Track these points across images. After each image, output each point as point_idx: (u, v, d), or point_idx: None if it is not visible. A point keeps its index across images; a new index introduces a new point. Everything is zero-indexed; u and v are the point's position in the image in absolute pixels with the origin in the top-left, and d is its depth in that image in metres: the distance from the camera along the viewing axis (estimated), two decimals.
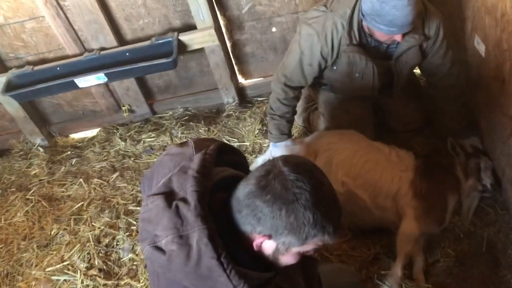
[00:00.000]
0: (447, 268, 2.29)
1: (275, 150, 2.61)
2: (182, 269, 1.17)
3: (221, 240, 1.16)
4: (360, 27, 2.26)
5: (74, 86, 3.07)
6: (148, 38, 3.17)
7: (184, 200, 1.19)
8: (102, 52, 3.14)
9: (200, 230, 1.14)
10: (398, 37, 2.17)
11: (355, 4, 2.22)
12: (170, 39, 3.06)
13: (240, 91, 3.56)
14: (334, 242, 1.24)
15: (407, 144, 2.71)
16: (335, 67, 2.42)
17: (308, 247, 1.22)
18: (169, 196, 1.23)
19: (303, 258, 1.42)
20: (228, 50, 3.36)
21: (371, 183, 2.30)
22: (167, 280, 1.27)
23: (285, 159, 1.22)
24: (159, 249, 1.18)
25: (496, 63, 2.19)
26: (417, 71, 2.87)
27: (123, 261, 2.63)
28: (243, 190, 1.21)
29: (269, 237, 1.19)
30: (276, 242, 1.20)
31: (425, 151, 2.75)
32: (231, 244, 1.19)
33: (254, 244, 1.22)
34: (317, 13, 2.33)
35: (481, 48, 2.35)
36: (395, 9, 1.99)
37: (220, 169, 1.35)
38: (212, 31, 3.05)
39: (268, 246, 1.22)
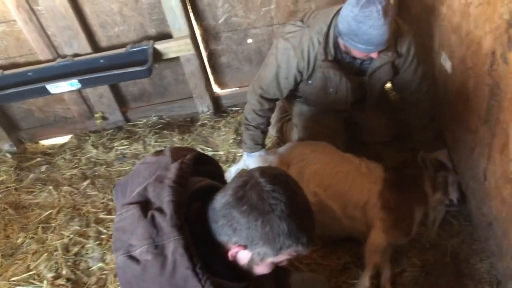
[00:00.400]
0: (413, 277, 2.35)
1: (249, 159, 2.64)
2: (156, 279, 1.17)
3: (197, 250, 1.16)
4: (335, 44, 2.32)
5: (46, 92, 3.02)
6: (123, 45, 3.15)
7: (160, 210, 1.20)
8: (76, 58, 3.10)
9: (176, 240, 1.15)
10: (374, 55, 2.24)
11: (331, 21, 2.28)
12: (146, 47, 3.06)
13: (215, 100, 3.57)
14: (308, 252, 1.26)
15: (378, 156, 2.78)
16: (310, 81, 2.48)
17: (283, 257, 1.24)
18: (144, 205, 1.23)
19: (276, 268, 1.45)
20: (203, 60, 3.38)
21: (341, 193, 2.34)
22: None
23: (262, 170, 1.24)
24: (133, 258, 1.18)
25: (461, 79, 2.28)
26: (387, 85, 2.95)
27: (92, 270, 2.59)
28: (220, 200, 1.23)
29: (245, 247, 1.20)
30: (251, 252, 1.22)
31: (395, 163, 2.82)
32: (206, 254, 1.20)
33: (229, 254, 1.24)
34: (294, 28, 2.39)
35: (447, 64, 2.45)
36: (372, 28, 2.05)
37: (197, 179, 1.36)
38: (188, 40, 3.06)
39: (243, 256, 1.24)
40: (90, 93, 3.41)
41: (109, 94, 3.43)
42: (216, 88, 3.61)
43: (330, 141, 2.60)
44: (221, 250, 1.25)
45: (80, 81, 2.99)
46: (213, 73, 3.51)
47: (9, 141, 3.50)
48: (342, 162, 2.42)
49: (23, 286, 2.52)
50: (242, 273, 1.29)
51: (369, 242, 2.31)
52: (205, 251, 1.21)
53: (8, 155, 3.47)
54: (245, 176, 1.25)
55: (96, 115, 3.51)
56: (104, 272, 2.56)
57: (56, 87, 2.99)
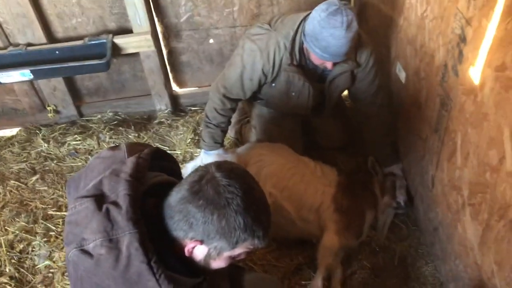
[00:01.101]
0: (363, 279, 2.42)
1: (207, 158, 2.63)
2: (110, 274, 1.15)
3: (152, 245, 1.15)
4: (301, 49, 2.36)
5: None
6: (80, 38, 3.06)
7: (115, 204, 1.18)
8: (29, 48, 2.98)
9: (131, 234, 1.13)
10: (328, 65, 2.29)
11: (298, 27, 2.31)
12: (104, 40, 2.98)
13: (174, 99, 3.54)
14: (264, 246, 1.27)
15: (332, 160, 2.84)
16: (273, 84, 2.50)
17: (239, 251, 1.24)
18: (99, 199, 1.21)
19: (231, 267, 1.46)
20: (163, 57, 3.34)
21: (296, 195, 2.38)
22: (92, 285, 1.23)
23: (218, 165, 1.24)
24: (86, 252, 1.16)
25: (415, 89, 2.39)
26: (344, 93, 3.03)
27: (38, 268, 2.49)
28: (176, 195, 1.22)
29: (201, 242, 1.20)
30: (208, 247, 1.22)
31: (348, 168, 2.90)
32: (162, 250, 1.19)
33: (186, 249, 1.23)
34: (261, 31, 2.41)
35: (402, 75, 2.55)
36: (331, 37, 2.10)
37: (154, 174, 1.35)
38: (149, 37, 3.02)
39: (200, 251, 1.24)
40: (43, 85, 3.29)
41: (63, 87, 3.31)
42: (175, 87, 3.57)
43: (288, 143, 2.64)
44: (177, 246, 1.24)
45: (32, 71, 2.88)
46: (172, 71, 3.48)
47: None
48: (298, 164, 2.46)
49: None
50: (197, 269, 1.29)
51: (322, 244, 2.36)
52: (161, 246, 1.19)
53: None
54: (201, 170, 1.25)
55: (49, 108, 3.39)
56: (51, 270, 2.47)
57: (6, 77, 2.86)
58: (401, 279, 2.41)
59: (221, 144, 2.66)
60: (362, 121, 2.76)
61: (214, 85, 2.57)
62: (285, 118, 2.80)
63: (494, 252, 1.72)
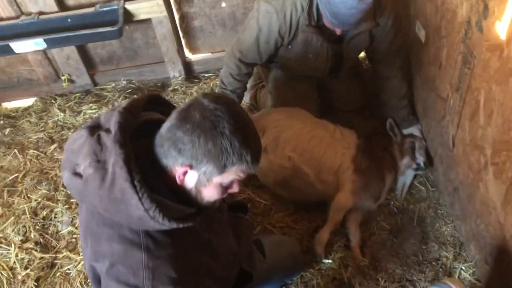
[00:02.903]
0: (381, 240, 2.43)
1: None
2: (96, 192, 1.19)
3: (138, 169, 1.18)
4: (319, 9, 2.29)
5: (10, 51, 2.88)
6: (91, 5, 3.02)
7: (107, 130, 1.23)
8: (41, 17, 2.95)
9: (117, 154, 1.17)
10: (337, 30, 2.24)
11: None
12: (116, 7, 2.94)
13: (187, 65, 3.50)
14: (253, 172, 1.28)
15: (349, 123, 2.80)
16: (290, 46, 2.45)
17: (229, 176, 1.25)
18: (94, 128, 1.27)
19: (233, 212, 1.55)
20: (176, 23, 3.29)
21: (316, 158, 2.38)
22: (86, 213, 1.33)
23: (205, 94, 1.26)
24: (77, 174, 1.22)
25: (435, 48, 2.32)
26: (361, 55, 2.97)
27: (61, 234, 2.54)
28: (166, 125, 1.25)
29: (190, 167, 1.21)
30: (197, 173, 1.23)
31: (365, 131, 2.87)
32: (151, 177, 1.21)
33: (177, 176, 1.25)
34: None
35: (421, 33, 2.48)
36: (343, 5, 2.03)
37: (149, 113, 1.38)
38: (160, 2, 2.96)
39: (190, 178, 1.25)
40: (56, 54, 3.28)
41: (76, 56, 3.30)
42: (188, 53, 3.53)
43: (304, 107, 2.61)
44: (168, 176, 1.26)
45: (46, 40, 2.86)
46: (185, 37, 3.43)
47: None
48: (317, 128, 2.44)
49: None
50: (192, 202, 1.30)
51: (335, 200, 2.36)
52: (151, 175, 1.22)
53: None
54: (190, 100, 1.27)
55: (63, 78, 3.39)
56: (74, 236, 2.53)
57: (20, 46, 2.85)
58: (420, 240, 2.42)
59: None
60: (380, 83, 2.71)
61: (229, 50, 2.53)
62: (300, 81, 2.76)
63: None
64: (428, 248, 2.38)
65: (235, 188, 1.32)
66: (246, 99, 3.17)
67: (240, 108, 1.28)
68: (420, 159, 2.52)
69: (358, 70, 2.98)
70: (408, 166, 2.54)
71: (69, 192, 2.71)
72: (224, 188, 1.30)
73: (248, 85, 3.06)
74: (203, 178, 1.23)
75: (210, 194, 1.29)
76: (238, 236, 1.67)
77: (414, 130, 2.65)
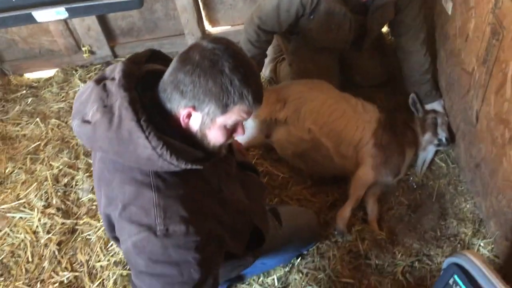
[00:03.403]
0: (399, 215, 2.42)
1: None
2: (105, 136, 1.22)
3: (144, 111, 1.20)
4: None
5: (32, 19, 2.88)
6: None
7: (112, 79, 1.27)
8: None
9: (121, 97, 1.20)
10: None
11: None
12: None
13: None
14: (256, 111, 1.30)
15: (370, 98, 2.77)
16: (312, 16, 2.41)
17: (232, 117, 1.26)
18: (100, 80, 1.31)
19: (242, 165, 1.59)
20: None
21: (336, 131, 2.36)
22: (98, 163, 1.36)
23: (203, 37, 1.27)
24: (86, 121, 1.25)
25: (462, 20, 2.26)
26: (384, 30, 2.92)
27: (82, 201, 2.59)
28: (167, 71, 1.27)
29: (193, 108, 1.23)
30: (201, 114, 1.24)
31: (386, 105, 2.83)
32: (161, 125, 1.24)
33: (181, 120, 1.27)
34: None
35: (448, 6, 2.41)
36: None
37: (152, 64, 1.40)
38: None
39: (195, 121, 1.27)
40: (78, 25, 3.29)
41: (97, 26, 3.31)
42: (207, 26, 3.50)
43: (326, 80, 2.58)
44: (174, 121, 1.28)
45: (67, 9, 2.86)
46: (205, 9, 3.40)
47: None
48: (339, 100, 2.42)
49: (14, 213, 2.51)
50: (198, 146, 1.32)
51: (356, 176, 2.36)
52: (160, 123, 1.24)
53: None
54: (190, 45, 1.28)
55: (84, 49, 3.40)
56: (95, 203, 2.57)
57: (43, 15, 2.84)
58: (438, 215, 2.40)
59: None
60: (403, 57, 2.66)
61: (249, 16, 2.50)
62: (322, 54, 2.72)
63: None
64: (446, 224, 2.36)
65: (239, 132, 1.34)
66: (265, 72, 3.15)
67: (239, 48, 1.28)
68: (442, 135, 2.49)
69: (381, 44, 2.93)
70: (429, 142, 2.51)
71: (89, 161, 2.75)
72: (229, 131, 1.32)
73: (268, 58, 3.04)
74: (207, 119, 1.25)
75: (215, 136, 1.31)
76: (247, 191, 1.68)
77: (436, 105, 2.60)
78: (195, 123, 1.27)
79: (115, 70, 1.28)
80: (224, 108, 1.22)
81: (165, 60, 1.46)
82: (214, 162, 1.36)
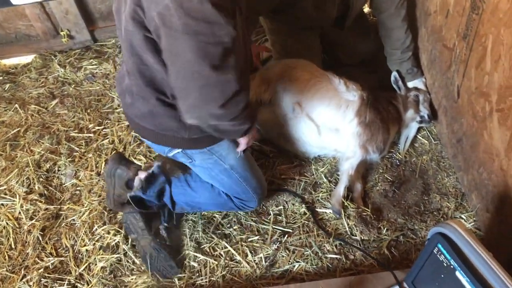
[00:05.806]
0: (383, 191, 2.44)
1: None
2: None
3: None
4: None
5: (7, 2, 2.83)
6: None
7: None
8: None
9: None
10: None
11: None
12: None
13: None
14: None
15: (353, 77, 2.77)
16: None
17: None
18: None
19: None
20: None
21: (320, 110, 2.36)
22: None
23: None
24: None
25: None
26: (366, 9, 2.92)
27: (65, 186, 2.55)
28: None
29: None
30: None
31: (369, 84, 2.83)
32: None
33: None
34: None
35: None
36: None
37: None
38: None
39: None
40: (55, 8, 3.21)
41: (75, 9, 3.24)
42: None
43: (308, 59, 2.57)
44: None
45: None
46: None
47: None
48: (322, 79, 2.41)
49: None
50: None
51: (345, 156, 2.37)
52: None
53: None
54: None
55: (62, 33, 3.33)
56: (78, 188, 2.54)
57: None
58: (422, 191, 2.43)
59: None
60: (384, 35, 2.66)
61: None
62: (304, 33, 2.71)
63: None
64: (430, 199, 2.40)
65: None
66: None
67: None
68: (424, 112, 2.51)
69: (363, 22, 2.93)
70: (412, 119, 2.54)
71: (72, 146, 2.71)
72: None
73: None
74: None
75: None
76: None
77: (418, 83, 2.63)
78: None
79: None
80: None
81: None
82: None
